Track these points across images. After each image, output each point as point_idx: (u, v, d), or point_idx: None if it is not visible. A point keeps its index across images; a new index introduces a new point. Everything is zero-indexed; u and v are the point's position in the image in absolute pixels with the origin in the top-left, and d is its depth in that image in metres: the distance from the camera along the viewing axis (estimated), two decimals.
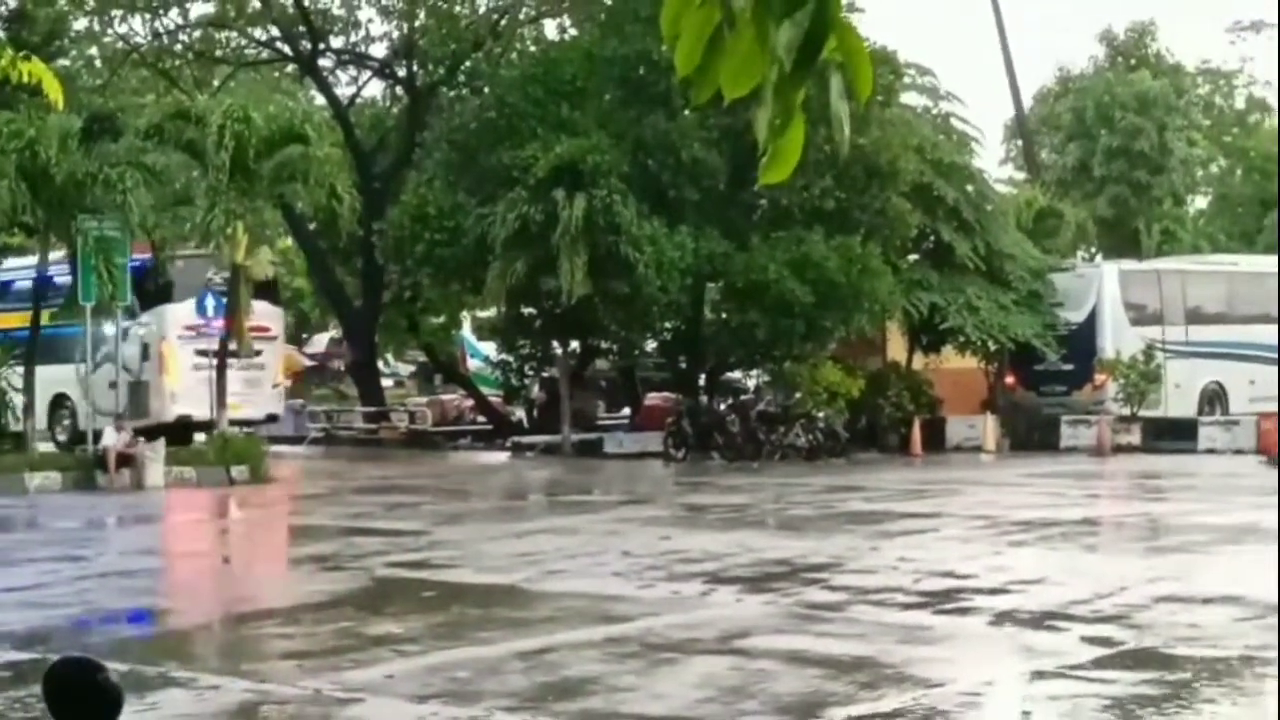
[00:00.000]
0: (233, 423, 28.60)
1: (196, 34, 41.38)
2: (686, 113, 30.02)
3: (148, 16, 39.97)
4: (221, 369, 28.72)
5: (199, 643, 13.01)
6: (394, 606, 13.98)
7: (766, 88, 3.00)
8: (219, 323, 28.94)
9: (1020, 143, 57.39)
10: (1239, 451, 31.05)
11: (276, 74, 44.16)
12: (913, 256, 35.04)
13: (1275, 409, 32.02)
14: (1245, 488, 24.47)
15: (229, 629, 13.60)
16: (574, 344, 35.12)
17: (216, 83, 41.10)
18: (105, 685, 3.95)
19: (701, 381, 35.11)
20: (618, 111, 31.90)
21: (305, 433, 39.82)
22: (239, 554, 17.69)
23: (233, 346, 28.73)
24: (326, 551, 17.62)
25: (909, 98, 37.45)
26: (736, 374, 38.77)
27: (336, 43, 40.94)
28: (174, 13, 40.30)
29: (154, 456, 26.43)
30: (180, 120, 28.70)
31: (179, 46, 41.42)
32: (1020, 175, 56.94)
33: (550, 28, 40.70)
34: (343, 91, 41.74)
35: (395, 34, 40.35)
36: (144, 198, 27.19)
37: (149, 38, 40.49)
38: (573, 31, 38.94)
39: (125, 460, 26.18)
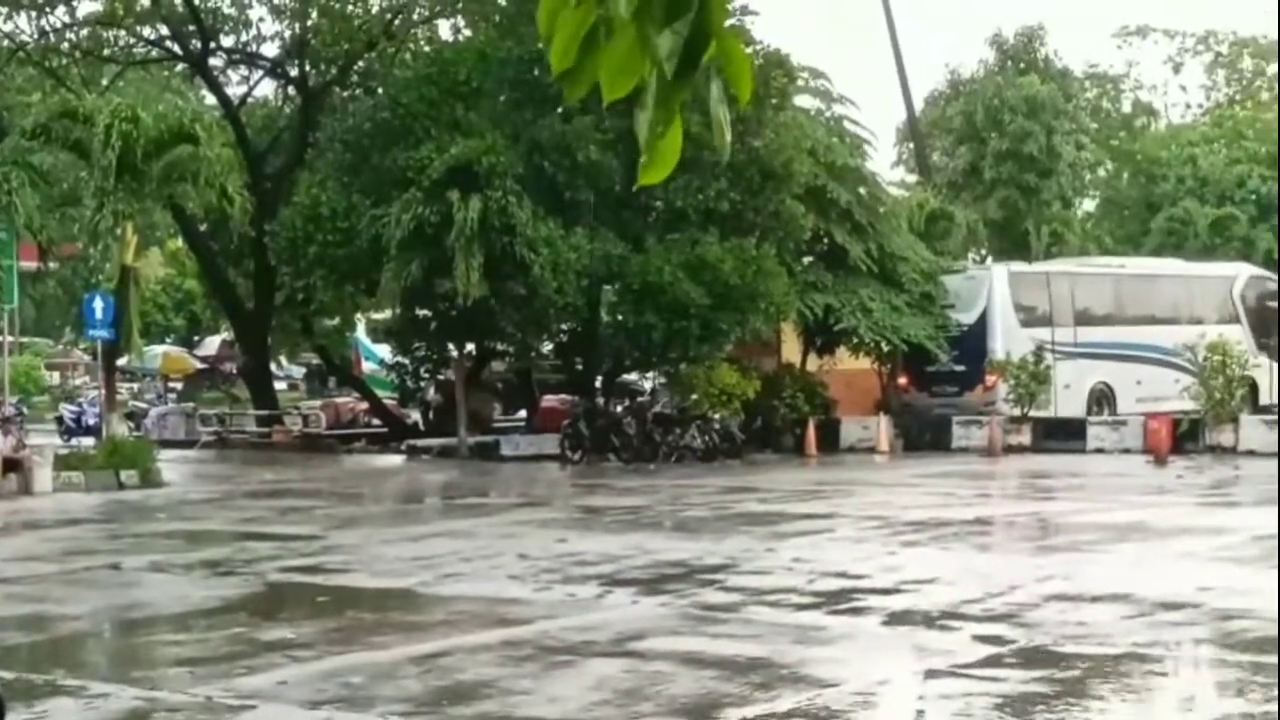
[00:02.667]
0: None
1: (84, 32, 40.70)
2: (582, 115, 30.01)
3: (34, 14, 39.28)
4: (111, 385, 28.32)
5: (88, 650, 12.82)
6: (287, 612, 13.86)
7: (647, 91, 3.02)
8: None
9: (912, 145, 57.97)
10: (1126, 451, 31.57)
11: (166, 73, 43.60)
12: (807, 258, 35.26)
13: (1161, 409, 32.62)
14: (1132, 487, 24.91)
15: (119, 636, 13.42)
16: (470, 346, 34.99)
17: (105, 82, 40.49)
18: None
19: (598, 383, 35.12)
20: (512, 113, 31.83)
21: (197, 436, 39.38)
22: (129, 559, 17.45)
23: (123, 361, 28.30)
24: (218, 556, 17.44)
25: (802, 100, 37.68)
26: (633, 376, 38.82)
27: (227, 42, 40.48)
28: (61, 10, 39.62)
29: (42, 461, 26.03)
30: (67, 119, 28.27)
31: (66, 45, 40.71)
32: (912, 178, 57.53)
33: (444, 28, 40.56)
34: (234, 91, 41.29)
35: (287, 33, 39.97)
36: (30, 198, 26.77)
37: (35, 35, 39.79)
38: (467, 32, 38.80)
39: (12, 465, 25.75)
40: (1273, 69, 71.16)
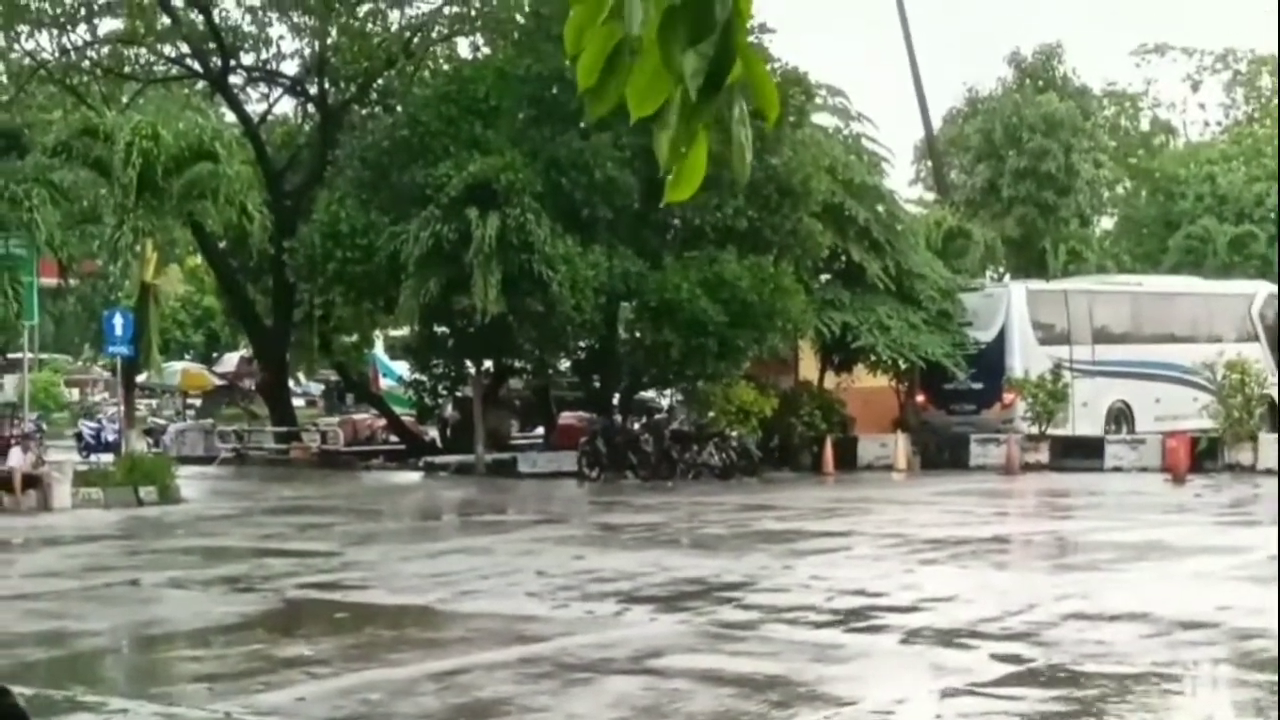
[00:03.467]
0: None
1: (105, 50, 40.91)
2: (600, 132, 30.05)
3: (55, 32, 39.49)
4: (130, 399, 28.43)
5: (107, 666, 12.86)
6: (306, 628, 13.89)
7: (670, 110, 3.04)
8: None
9: (929, 163, 57.99)
10: (1144, 469, 31.46)
11: (186, 91, 43.76)
12: (825, 276, 35.28)
13: (1180, 428, 32.54)
14: (1151, 505, 24.85)
15: (138, 651, 13.46)
16: (487, 363, 35.03)
17: (125, 99, 40.68)
18: (10, 710, 3.90)
19: (615, 401, 35.12)
20: (531, 130, 31.90)
21: (215, 452, 39.46)
22: (148, 575, 17.50)
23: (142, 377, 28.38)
24: (237, 573, 17.48)
25: (820, 118, 37.74)
26: (650, 393, 38.82)
27: (247, 60, 40.64)
28: (82, 29, 39.84)
29: (61, 478, 26.11)
30: (88, 137, 28.43)
31: (87, 63, 40.92)
32: (930, 196, 57.52)
33: (463, 46, 40.65)
34: (253, 109, 41.45)
35: (307, 51, 40.11)
36: (51, 215, 26.92)
37: (56, 54, 39.99)
38: (485, 50, 38.87)
39: (31, 482, 25.82)
40: None
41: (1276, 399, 36.97)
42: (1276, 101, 61.98)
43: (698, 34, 2.96)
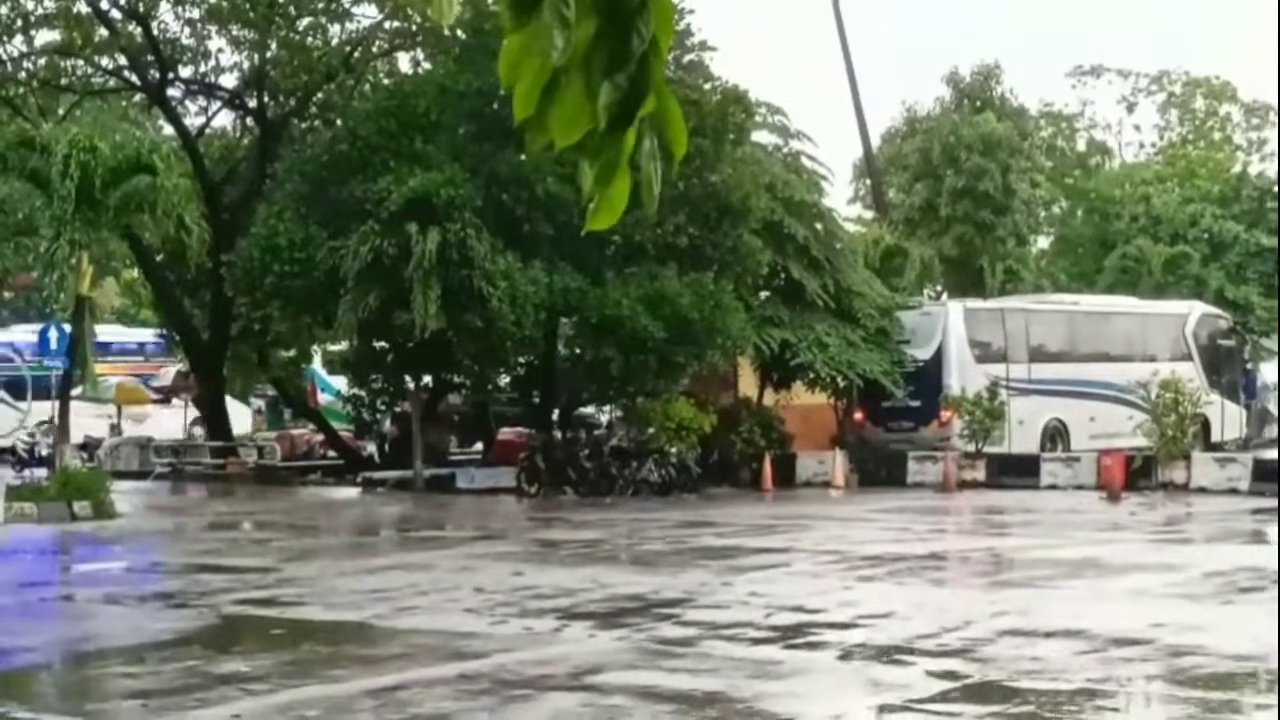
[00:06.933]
0: None
1: (41, 61, 40.58)
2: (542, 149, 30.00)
3: None
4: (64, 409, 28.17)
5: (41, 682, 12.74)
6: (242, 645, 13.80)
7: (593, 140, 3.05)
8: None
9: (868, 182, 58.32)
10: (1080, 487, 31.69)
11: (124, 103, 43.47)
12: (764, 293, 35.38)
13: (1115, 446, 32.83)
14: (1086, 523, 25.05)
15: (72, 668, 13.33)
16: (427, 378, 34.93)
17: (62, 111, 40.36)
18: None
19: (555, 417, 35.09)
20: (471, 145, 31.86)
21: (151, 467, 39.15)
22: (82, 591, 17.35)
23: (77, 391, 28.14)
24: (173, 589, 17.35)
25: (760, 136, 37.90)
26: (590, 409, 38.81)
27: (185, 72, 40.37)
28: (18, 40, 39.54)
29: None
30: (24, 149, 28.15)
31: (23, 74, 40.59)
32: (868, 214, 57.83)
33: (403, 61, 40.57)
34: (192, 122, 41.16)
35: (246, 64, 39.91)
36: None
37: None
38: (426, 65, 38.80)
39: None
40: (1225, 110, 72.00)
41: (1213, 418, 37.44)
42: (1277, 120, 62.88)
43: (615, 65, 2.97)
